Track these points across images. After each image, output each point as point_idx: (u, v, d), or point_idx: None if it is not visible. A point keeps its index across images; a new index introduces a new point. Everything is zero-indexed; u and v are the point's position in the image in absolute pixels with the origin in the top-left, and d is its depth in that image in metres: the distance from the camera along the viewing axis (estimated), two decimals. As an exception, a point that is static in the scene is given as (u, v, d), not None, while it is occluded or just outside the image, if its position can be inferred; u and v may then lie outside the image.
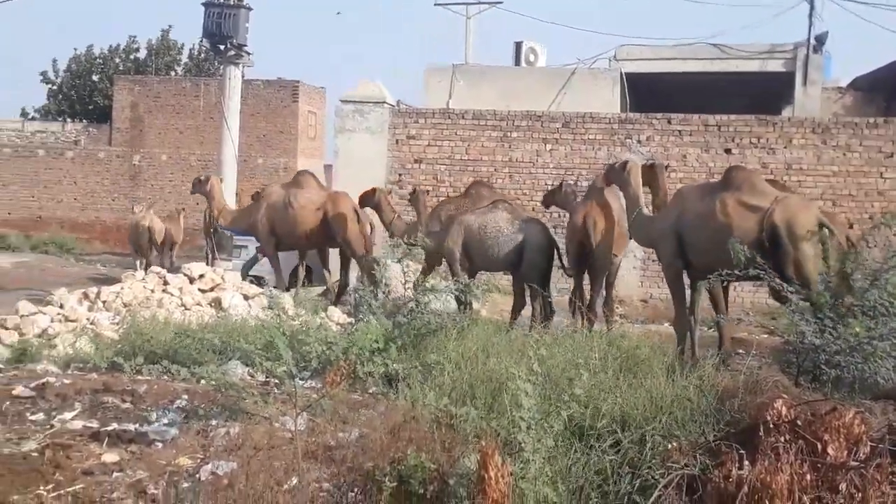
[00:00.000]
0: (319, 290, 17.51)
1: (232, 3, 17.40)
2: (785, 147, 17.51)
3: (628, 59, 22.96)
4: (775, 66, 22.76)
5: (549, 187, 17.62)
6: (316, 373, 6.16)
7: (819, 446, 4.08)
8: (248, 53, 17.60)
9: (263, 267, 17.43)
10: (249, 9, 17.80)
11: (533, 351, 4.56)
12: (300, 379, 5.10)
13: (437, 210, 13.68)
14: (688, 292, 10.63)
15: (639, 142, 17.88)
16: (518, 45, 24.08)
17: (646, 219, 10.73)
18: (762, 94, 24.24)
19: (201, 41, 18.42)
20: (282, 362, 4.87)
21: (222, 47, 17.31)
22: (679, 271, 10.27)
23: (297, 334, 6.96)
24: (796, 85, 22.21)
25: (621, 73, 22.18)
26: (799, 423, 4.16)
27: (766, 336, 14.28)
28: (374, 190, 14.67)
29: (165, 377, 8.12)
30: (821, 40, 22.22)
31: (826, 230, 9.09)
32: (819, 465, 3.98)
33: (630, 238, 11.72)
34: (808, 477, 3.75)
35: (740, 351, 12.18)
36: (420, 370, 5.95)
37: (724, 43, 22.82)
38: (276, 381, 8.02)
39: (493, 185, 14.81)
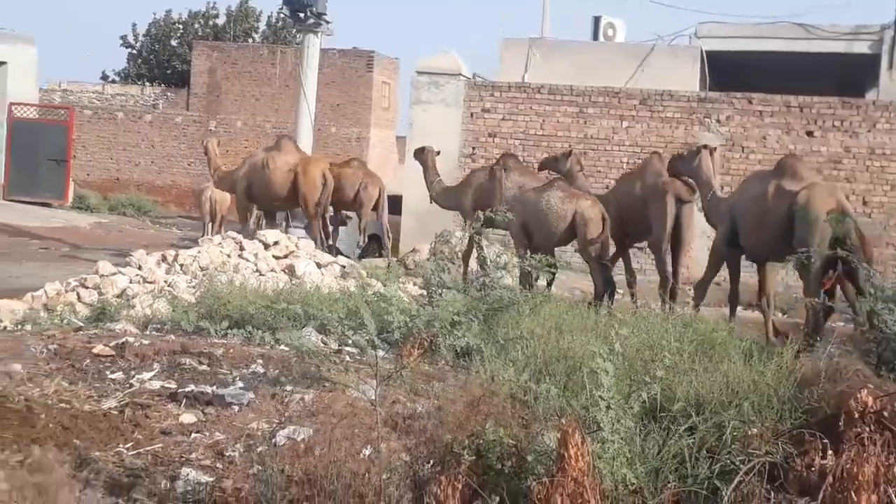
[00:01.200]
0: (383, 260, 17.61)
1: (312, -30, 17.48)
2: (868, 131, 17.11)
3: (709, 37, 22.53)
4: (860, 47, 22.17)
5: (626, 165, 17.53)
6: (394, 344, 6.17)
7: (905, 438, 4.00)
8: (328, 22, 17.65)
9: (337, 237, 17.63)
10: (330, -23, 17.88)
11: (614, 331, 4.51)
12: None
13: (469, 178, 14.73)
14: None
15: (718, 121, 17.61)
16: (596, 20, 23.80)
17: (718, 200, 11.38)
18: (845, 76, 23.68)
19: (281, 9, 18.46)
20: (365, 331, 4.87)
21: (302, 15, 17.37)
22: (725, 251, 11.04)
23: (376, 304, 6.99)
24: (882, 68, 21.62)
25: (702, 51, 21.81)
26: (885, 414, 4.08)
27: (842, 324, 14.07)
28: (423, 148, 15.36)
29: (240, 341, 8.24)
30: (908, 23, 21.61)
31: (848, 217, 9.41)
32: (905, 458, 3.90)
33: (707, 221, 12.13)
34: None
35: (817, 338, 12.00)
36: (495, 345, 5.94)
37: (809, 22, 22.31)
38: (353, 349, 8.12)
39: (520, 158, 15.11)
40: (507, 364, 5.29)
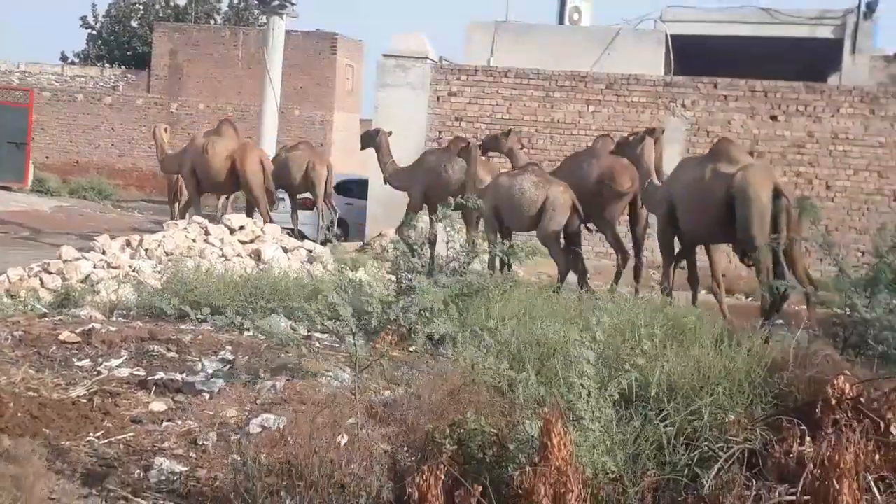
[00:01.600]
0: (354, 245, 17.56)
1: (279, -48, 17.33)
2: (832, 116, 17.25)
3: (674, 21, 22.58)
4: (824, 32, 22.34)
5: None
6: (371, 331, 6.10)
7: (882, 425, 4.01)
8: (293, 4, 17.54)
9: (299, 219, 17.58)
10: (296, -41, 17.73)
11: (595, 318, 4.49)
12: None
13: (420, 159, 15.19)
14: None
15: (683, 106, 17.67)
16: (562, 3, 23.78)
17: (654, 187, 11.52)
18: (809, 60, 23.83)
19: (246, -10, 18.28)
20: (342, 320, 4.82)
21: (267, -3, 17.26)
22: (671, 236, 11.20)
23: (351, 291, 6.93)
24: (844, 52, 21.80)
25: (667, 35, 21.85)
26: (862, 400, 4.09)
27: (804, 308, 14.19)
28: (377, 130, 15.76)
29: (209, 327, 8.16)
30: (871, 7, 21.76)
31: (783, 198, 9.80)
32: (881, 445, 3.92)
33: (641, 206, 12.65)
34: (876, 457, 3.69)
35: (780, 321, 12.11)
36: (468, 332, 5.90)
37: (773, 7, 22.44)
38: (322, 335, 8.06)
39: (471, 141, 15.10)
40: (482, 351, 5.25)
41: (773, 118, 17.49)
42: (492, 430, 3.68)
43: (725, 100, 17.62)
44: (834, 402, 4.12)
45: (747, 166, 10.19)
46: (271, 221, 14.82)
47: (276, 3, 17.11)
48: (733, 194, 9.93)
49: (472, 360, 4.48)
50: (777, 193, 9.82)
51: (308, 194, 17.96)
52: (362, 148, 16.13)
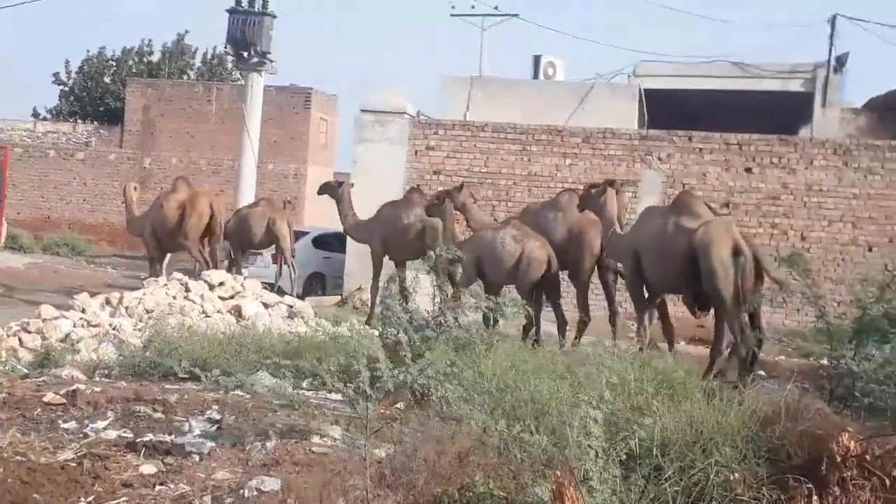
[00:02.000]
0: (333, 298, 17.49)
1: (257, 10, 17.36)
2: (806, 168, 17.45)
3: (648, 76, 22.92)
4: (795, 86, 22.72)
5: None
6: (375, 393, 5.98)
7: (888, 482, 4.00)
8: (271, 61, 17.57)
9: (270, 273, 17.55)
10: (274, 16, 17.75)
11: (605, 377, 4.47)
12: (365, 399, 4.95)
13: (379, 212, 15.50)
14: None
15: (659, 159, 17.82)
16: (537, 59, 24.06)
17: (617, 237, 11.89)
18: (780, 113, 24.19)
19: (226, 47, 18.26)
20: (358, 381, 4.73)
21: (245, 54, 17.27)
22: (640, 285, 11.41)
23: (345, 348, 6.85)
24: (815, 105, 22.15)
25: (640, 89, 22.16)
26: (867, 457, 4.08)
27: (783, 358, 14.23)
28: (341, 182, 16.23)
29: (194, 386, 8.06)
30: (841, 61, 22.19)
31: (741, 255, 10.02)
32: (890, 503, 3.90)
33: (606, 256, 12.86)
34: (886, 515, 3.68)
35: (761, 373, 12.12)
36: (467, 389, 5.85)
37: (744, 62, 22.77)
38: (308, 392, 7.98)
39: (426, 194, 15.72)
40: (475, 409, 5.20)
41: (748, 170, 17.66)
42: (501, 493, 3.63)
43: (700, 153, 17.79)
44: (839, 459, 4.11)
45: (709, 222, 10.46)
46: (210, 268, 14.93)
47: (255, 60, 17.14)
48: (695, 249, 10.21)
49: (482, 423, 4.42)
50: (737, 250, 10.07)
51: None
52: (319, 194, 16.57)
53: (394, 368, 4.79)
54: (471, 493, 3.61)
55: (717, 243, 10.09)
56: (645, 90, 22.36)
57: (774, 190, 17.56)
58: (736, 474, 4.44)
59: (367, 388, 4.64)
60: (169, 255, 17.65)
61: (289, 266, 17.53)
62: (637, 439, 4.35)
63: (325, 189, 16.39)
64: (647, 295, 11.63)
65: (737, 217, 17.52)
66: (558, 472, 3.47)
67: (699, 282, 10.30)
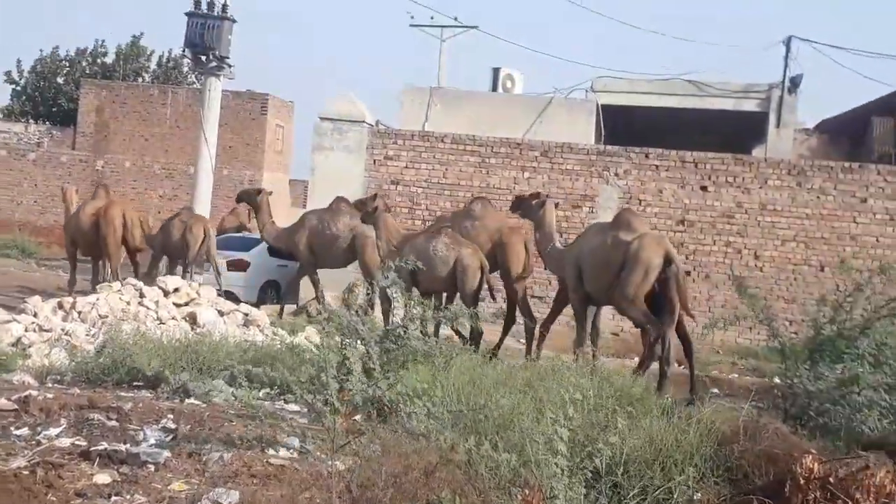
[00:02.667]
0: (289, 307, 17.34)
1: (216, 14, 17.21)
2: (760, 187, 17.66)
3: (605, 91, 23.07)
4: (749, 105, 22.99)
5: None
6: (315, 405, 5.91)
7: (850, 504, 4.04)
8: (230, 66, 17.40)
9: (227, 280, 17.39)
10: (234, 21, 17.58)
11: (568, 395, 4.46)
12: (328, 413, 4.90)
13: (302, 219, 16.10)
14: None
15: (616, 174, 17.93)
16: (496, 71, 24.11)
17: (558, 251, 12.34)
18: (735, 132, 24.47)
19: (183, 50, 18.06)
20: (326, 394, 4.68)
21: (204, 58, 17.09)
22: (583, 297, 11.78)
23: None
24: (770, 125, 22.43)
25: (597, 105, 22.30)
26: (831, 480, 4.11)
27: (736, 376, 14.37)
28: (259, 190, 16.59)
29: (149, 394, 7.95)
30: (795, 82, 22.50)
31: (673, 264, 10.69)
32: (852, 524, 3.93)
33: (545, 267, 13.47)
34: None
35: (715, 390, 12.24)
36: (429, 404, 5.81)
37: (700, 80, 23.02)
38: (263, 401, 7.90)
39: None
40: (439, 424, 5.17)
41: (704, 188, 17.84)
42: (468, 510, 3.60)
43: (657, 169, 17.94)
44: (802, 481, 4.13)
45: (643, 235, 11.03)
46: (117, 279, 14.96)
47: (213, 64, 16.97)
48: (627, 259, 10.79)
49: (450, 440, 4.39)
50: (668, 260, 10.67)
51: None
52: (237, 201, 17.17)
53: (365, 383, 4.74)
54: (438, 511, 3.58)
55: (647, 252, 10.70)
56: (602, 105, 22.51)
57: (729, 208, 17.75)
58: (699, 494, 4.44)
59: (336, 401, 4.58)
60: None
61: (213, 269, 17.51)
62: (602, 457, 4.34)
63: (243, 196, 16.77)
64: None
65: (692, 234, 17.72)
66: (526, 491, 3.45)
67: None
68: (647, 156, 18.03)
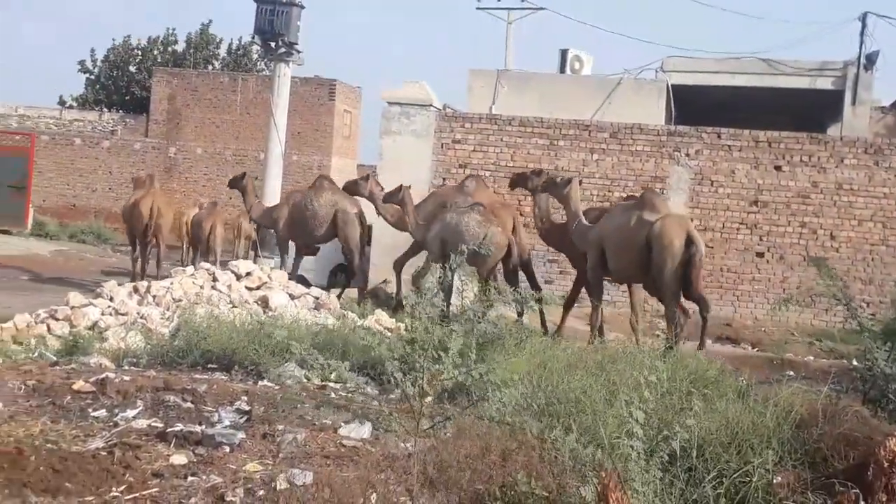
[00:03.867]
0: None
1: (285, 0, 17.27)
2: (836, 166, 17.26)
3: (675, 71, 22.72)
4: (824, 83, 22.49)
5: (596, 198, 17.57)
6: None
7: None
8: (299, 52, 17.45)
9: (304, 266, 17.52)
10: (302, 7, 17.63)
11: (644, 378, 4.40)
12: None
13: (287, 198, 16.70)
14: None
15: (687, 155, 17.67)
16: (563, 53, 23.87)
17: (584, 227, 12.64)
18: (809, 111, 23.97)
19: (252, 37, 18.20)
20: (416, 376, 4.65)
21: (273, 45, 17.17)
22: (600, 275, 12.39)
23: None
24: (845, 104, 21.92)
25: (668, 85, 21.96)
26: (915, 462, 4.00)
27: (812, 358, 14.11)
28: (244, 174, 17.22)
29: (223, 376, 8.04)
30: (871, 59, 21.94)
31: (694, 245, 11.25)
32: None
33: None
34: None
35: (790, 372, 12.03)
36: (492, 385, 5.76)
37: (774, 58, 22.56)
38: (335, 384, 7.95)
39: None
40: (517, 409, 5.12)
41: (777, 168, 17.48)
42: (544, 493, 3.56)
43: (729, 149, 17.62)
44: (886, 464, 4.02)
45: (666, 216, 11.56)
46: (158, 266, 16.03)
47: (283, 50, 17.04)
48: (651, 240, 11.32)
49: (522, 423, 4.35)
50: (689, 241, 11.24)
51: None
52: (230, 187, 17.59)
53: (456, 368, 4.70)
54: (513, 492, 3.55)
55: (669, 235, 11.24)
56: (672, 86, 22.17)
57: (804, 188, 17.38)
58: (779, 477, 4.35)
59: (426, 385, 4.57)
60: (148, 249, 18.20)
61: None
62: (679, 441, 4.27)
63: (232, 183, 17.27)
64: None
65: (765, 215, 17.40)
66: (603, 474, 3.40)
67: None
68: (719, 135, 17.72)
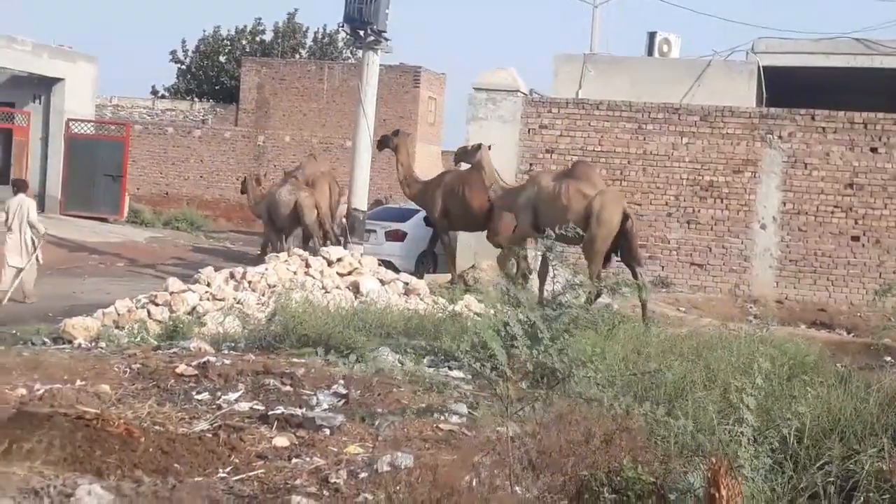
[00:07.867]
0: (445, 276, 17.52)
1: (374, -11, 17.32)
2: (936, 148, 16.77)
3: (766, 52, 22.18)
4: (923, 63, 21.79)
5: (686, 182, 17.37)
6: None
7: None
8: (387, 40, 17.51)
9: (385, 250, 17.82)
10: (391, -5, 17.70)
11: (757, 364, 4.35)
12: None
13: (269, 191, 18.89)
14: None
15: (780, 137, 17.33)
16: (651, 36, 23.51)
17: (506, 191, 14.40)
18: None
19: (341, 25, 18.32)
20: (495, 361, 4.70)
21: (362, 33, 17.25)
22: (528, 235, 13.47)
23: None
24: (945, 84, 21.23)
25: (759, 66, 21.51)
26: None
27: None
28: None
29: (320, 360, 8.16)
30: (972, 37, 21.18)
31: (629, 219, 12.72)
32: None
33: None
34: None
35: (888, 358, 11.75)
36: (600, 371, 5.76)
37: (870, 39, 21.92)
38: (429, 369, 8.02)
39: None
40: (612, 391, 5.11)
41: (874, 150, 17.05)
42: (650, 478, 3.56)
43: (823, 131, 17.23)
44: None
45: (603, 192, 13.06)
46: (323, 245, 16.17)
47: (371, 38, 17.11)
48: (590, 212, 12.51)
49: (626, 406, 4.35)
50: (626, 217, 12.69)
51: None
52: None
53: (532, 348, 4.73)
54: (619, 478, 3.55)
55: (608, 210, 12.57)
56: (763, 67, 21.70)
57: (902, 170, 16.92)
58: (887, 465, 4.28)
59: (507, 369, 4.59)
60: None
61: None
62: (791, 428, 4.22)
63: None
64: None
65: (861, 198, 16.99)
66: (713, 460, 3.38)
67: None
68: (812, 117, 17.34)
